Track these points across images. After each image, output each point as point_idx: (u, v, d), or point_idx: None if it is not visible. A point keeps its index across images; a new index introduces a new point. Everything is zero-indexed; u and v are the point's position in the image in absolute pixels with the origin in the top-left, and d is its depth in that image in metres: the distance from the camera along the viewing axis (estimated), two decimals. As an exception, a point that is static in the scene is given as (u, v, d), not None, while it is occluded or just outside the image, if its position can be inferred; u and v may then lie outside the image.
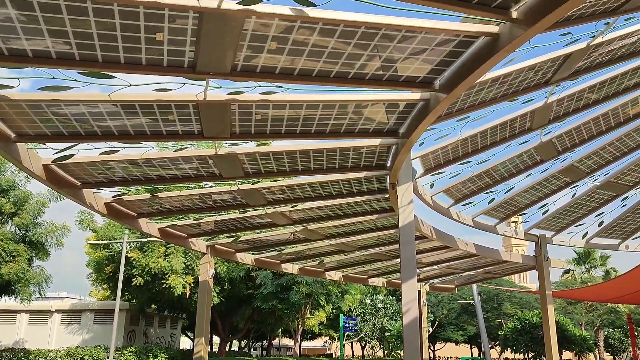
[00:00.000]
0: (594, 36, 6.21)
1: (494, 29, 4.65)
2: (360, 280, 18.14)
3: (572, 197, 11.84)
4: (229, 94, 5.82)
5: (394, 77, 5.60)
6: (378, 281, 18.56)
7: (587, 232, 13.06)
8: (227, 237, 12.41)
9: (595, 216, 12.52)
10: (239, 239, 12.32)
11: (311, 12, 4.28)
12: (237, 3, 4.12)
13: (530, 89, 7.23)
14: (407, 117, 6.81)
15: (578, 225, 12.90)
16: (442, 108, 5.92)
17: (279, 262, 14.62)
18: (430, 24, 4.57)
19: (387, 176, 8.60)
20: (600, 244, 13.91)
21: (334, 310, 31.75)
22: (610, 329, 42.95)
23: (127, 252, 23.05)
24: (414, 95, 6.21)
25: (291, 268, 15.24)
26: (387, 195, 9.54)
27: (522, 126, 8.71)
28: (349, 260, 15.31)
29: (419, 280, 18.13)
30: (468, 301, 39.28)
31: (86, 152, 7.08)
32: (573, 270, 46.04)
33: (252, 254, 13.74)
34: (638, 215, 12.48)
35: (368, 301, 37.52)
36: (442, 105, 5.79)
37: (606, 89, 8.16)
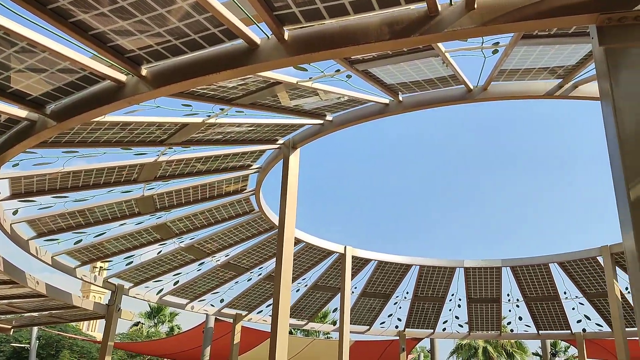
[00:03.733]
0: (209, 115, 6.93)
1: (121, 77, 4.68)
2: None
3: (158, 254, 12.42)
4: None
5: (2, 86, 4.96)
6: None
7: (162, 289, 13.76)
8: None
9: (173, 275, 13.37)
10: None
11: None
12: None
13: (145, 143, 7.46)
14: (5, 132, 6.04)
15: (157, 281, 13.48)
16: (48, 134, 5.52)
17: None
18: (57, 47, 4.27)
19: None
20: (172, 302, 14.79)
21: None
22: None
23: None
24: (21, 112, 5.60)
25: None
26: (-46, 212, 8.08)
27: (129, 176, 8.82)
28: None
29: (-31, 316, 15.53)
30: (23, 345, 35.55)
31: None
32: (142, 323, 47.35)
33: None
34: (207, 281, 13.92)
35: None
36: (49, 131, 5.40)
37: (211, 163, 9.10)
